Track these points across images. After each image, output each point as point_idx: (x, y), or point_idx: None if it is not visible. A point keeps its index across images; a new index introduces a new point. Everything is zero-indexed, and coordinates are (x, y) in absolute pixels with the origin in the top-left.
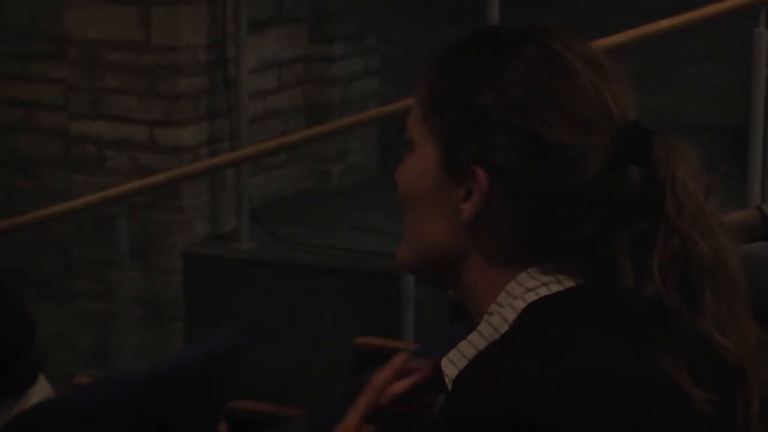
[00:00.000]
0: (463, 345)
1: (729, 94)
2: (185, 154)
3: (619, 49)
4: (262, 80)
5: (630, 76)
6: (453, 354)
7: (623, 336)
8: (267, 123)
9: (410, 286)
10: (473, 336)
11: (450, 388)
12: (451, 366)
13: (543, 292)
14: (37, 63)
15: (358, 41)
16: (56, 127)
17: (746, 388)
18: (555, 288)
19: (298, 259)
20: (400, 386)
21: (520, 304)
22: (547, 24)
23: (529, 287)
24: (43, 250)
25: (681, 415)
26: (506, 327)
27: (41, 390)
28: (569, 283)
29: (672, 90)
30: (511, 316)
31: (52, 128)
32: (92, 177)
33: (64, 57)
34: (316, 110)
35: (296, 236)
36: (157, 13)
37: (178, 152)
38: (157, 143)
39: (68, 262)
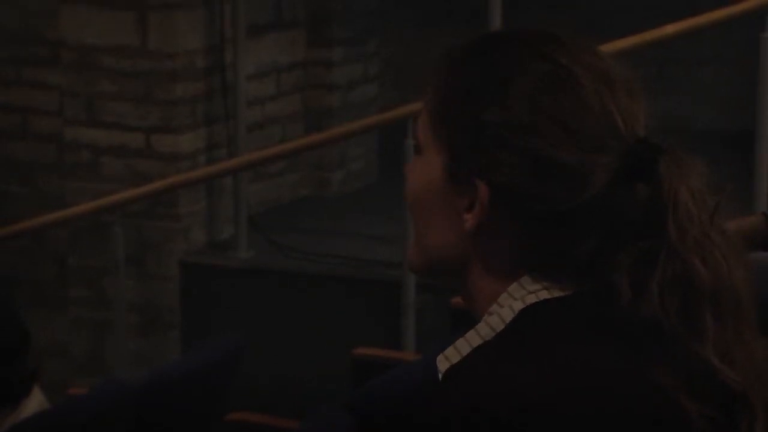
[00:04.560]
0: (459, 342)
1: (736, 98)
2: (182, 161)
3: (622, 54)
4: (260, 86)
5: (639, 81)
6: (449, 350)
7: (620, 345)
8: (266, 129)
9: (411, 295)
10: (470, 334)
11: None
12: (445, 362)
13: (543, 295)
14: (31, 68)
15: (358, 46)
16: (51, 133)
17: (750, 412)
18: (556, 293)
19: (297, 267)
20: None
21: (519, 306)
22: (554, 29)
23: (530, 290)
24: (39, 257)
25: (670, 426)
26: (502, 327)
27: (35, 400)
28: (571, 290)
29: (679, 94)
30: (509, 317)
31: (47, 134)
32: (87, 183)
33: (59, 62)
34: (315, 116)
35: (296, 244)
36: (153, 18)
37: (175, 159)
38: (154, 150)
39: (63, 270)
